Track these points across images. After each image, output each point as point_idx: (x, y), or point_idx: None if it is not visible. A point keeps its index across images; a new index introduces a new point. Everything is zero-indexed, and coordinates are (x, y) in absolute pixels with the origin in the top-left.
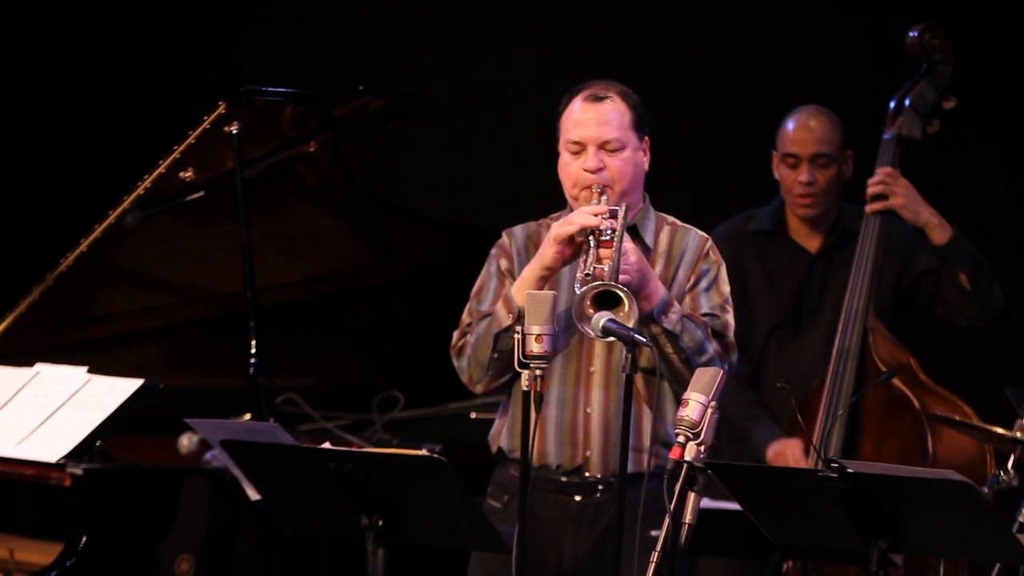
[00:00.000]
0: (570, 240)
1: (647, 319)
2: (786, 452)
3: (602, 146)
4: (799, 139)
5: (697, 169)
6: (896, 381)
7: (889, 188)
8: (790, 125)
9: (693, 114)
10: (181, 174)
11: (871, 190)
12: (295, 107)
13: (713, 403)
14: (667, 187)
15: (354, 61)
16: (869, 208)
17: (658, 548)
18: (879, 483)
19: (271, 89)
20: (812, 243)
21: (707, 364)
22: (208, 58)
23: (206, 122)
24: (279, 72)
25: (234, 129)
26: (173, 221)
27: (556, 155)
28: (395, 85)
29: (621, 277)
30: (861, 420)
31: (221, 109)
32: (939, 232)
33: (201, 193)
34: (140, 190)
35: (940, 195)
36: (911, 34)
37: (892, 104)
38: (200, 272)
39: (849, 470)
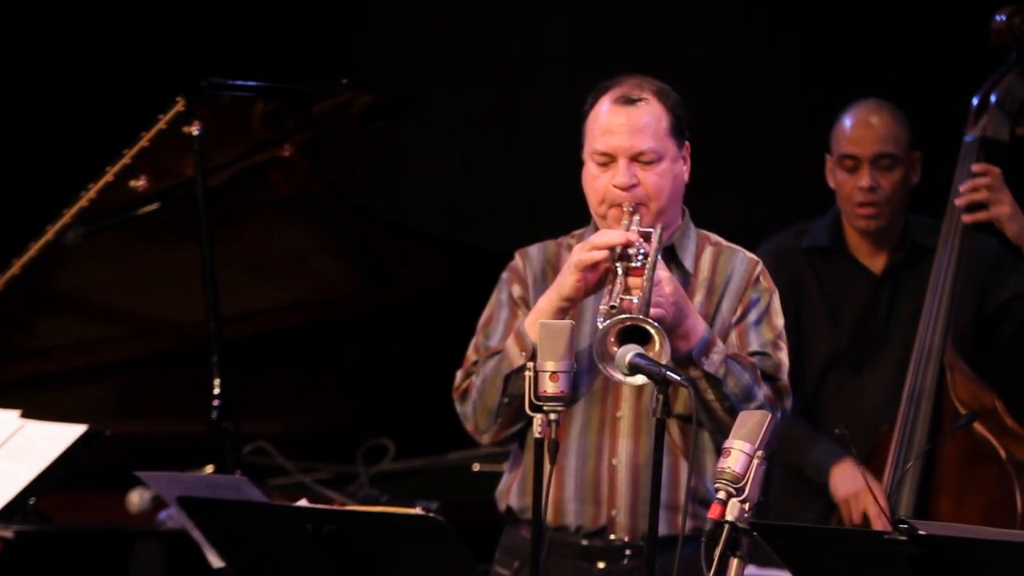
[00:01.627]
0: (594, 266)
1: (685, 361)
2: (862, 499)
3: (635, 158)
4: (858, 138)
5: (740, 176)
6: (977, 426)
7: (994, 194)
8: (847, 123)
9: (735, 114)
10: (132, 183)
11: (967, 197)
12: (267, 104)
13: (759, 452)
14: (707, 197)
15: (355, 62)
16: (969, 218)
17: None
18: (956, 547)
19: (238, 83)
20: (876, 262)
21: None
22: (182, 53)
23: (161, 122)
24: (267, 71)
25: (195, 130)
26: (123, 238)
27: (579, 163)
28: (397, 84)
29: (653, 311)
30: (937, 472)
31: (179, 106)
32: None
33: (156, 205)
34: (83, 202)
35: None
36: (998, 18)
37: (975, 101)
38: (154, 299)
39: (920, 532)
